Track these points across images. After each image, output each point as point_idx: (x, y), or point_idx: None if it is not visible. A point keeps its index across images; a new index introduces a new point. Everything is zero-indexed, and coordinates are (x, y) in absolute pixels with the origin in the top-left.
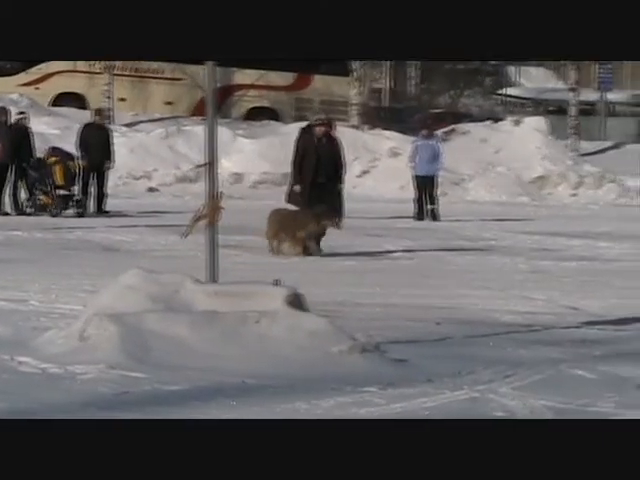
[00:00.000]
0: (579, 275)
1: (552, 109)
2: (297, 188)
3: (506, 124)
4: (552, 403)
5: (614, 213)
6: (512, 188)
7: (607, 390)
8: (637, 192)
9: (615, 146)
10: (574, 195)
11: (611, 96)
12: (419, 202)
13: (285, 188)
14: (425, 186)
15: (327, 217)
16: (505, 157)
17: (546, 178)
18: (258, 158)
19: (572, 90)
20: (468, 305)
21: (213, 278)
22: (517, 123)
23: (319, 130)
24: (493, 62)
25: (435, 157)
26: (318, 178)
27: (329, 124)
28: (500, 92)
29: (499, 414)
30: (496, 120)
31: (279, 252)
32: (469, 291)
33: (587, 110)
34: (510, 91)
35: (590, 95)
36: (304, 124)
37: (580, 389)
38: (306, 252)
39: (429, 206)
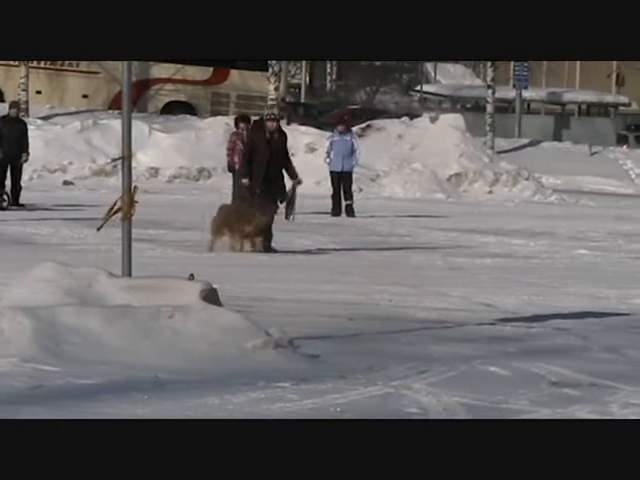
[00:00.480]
0: (494, 272)
1: (469, 106)
2: (245, 182)
3: (423, 121)
4: (465, 400)
5: (529, 210)
6: (428, 185)
7: (520, 387)
8: (552, 190)
9: (531, 143)
10: (490, 192)
11: (527, 94)
12: (335, 198)
13: (201, 182)
14: (341, 182)
15: (271, 212)
16: (421, 154)
17: (462, 175)
18: (174, 152)
19: (489, 87)
20: (382, 301)
21: (127, 272)
22: (434, 120)
23: (271, 125)
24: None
25: (351, 153)
26: (270, 173)
27: (278, 118)
28: (417, 89)
29: (412, 410)
30: (413, 117)
31: (220, 248)
32: (383, 287)
33: (503, 107)
34: (427, 88)
35: (507, 92)
36: (256, 118)
37: (493, 386)
38: (253, 248)
39: (345, 202)
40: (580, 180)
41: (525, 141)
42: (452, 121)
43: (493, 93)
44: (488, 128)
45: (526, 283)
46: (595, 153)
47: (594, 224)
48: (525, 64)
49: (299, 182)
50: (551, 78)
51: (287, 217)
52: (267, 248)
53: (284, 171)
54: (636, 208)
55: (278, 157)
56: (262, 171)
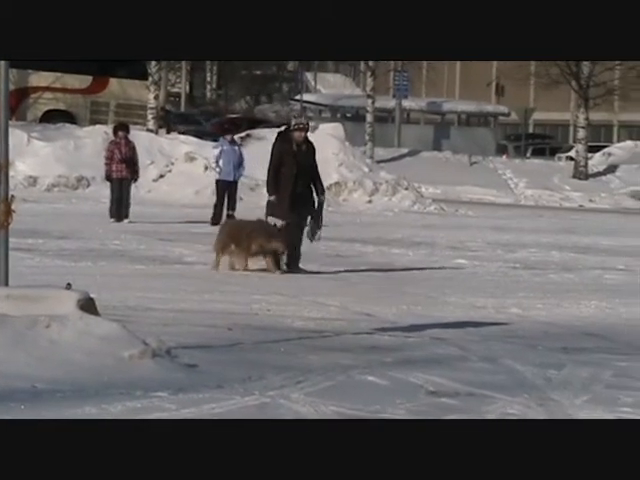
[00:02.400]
0: (373, 281)
1: (349, 115)
2: (273, 199)
3: None
4: (343, 409)
5: (409, 220)
6: None
7: (398, 396)
8: (432, 199)
9: (410, 153)
10: (369, 202)
11: (407, 103)
12: (218, 207)
13: (79, 191)
14: (227, 191)
15: (279, 236)
16: None
17: (342, 184)
18: (53, 161)
19: (369, 97)
20: (260, 311)
21: (4, 281)
22: (313, 129)
23: (298, 135)
24: (290, 69)
25: (239, 162)
26: (297, 188)
27: (307, 128)
28: (297, 98)
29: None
30: None
31: (223, 265)
32: (262, 297)
33: (383, 117)
34: (307, 97)
35: (386, 102)
36: (282, 128)
37: (371, 395)
38: (273, 268)
39: (228, 211)
40: (459, 190)
41: (405, 151)
42: (331, 130)
43: (373, 103)
44: (368, 137)
45: (405, 293)
46: (474, 163)
47: (473, 234)
48: (404, 74)
49: (324, 198)
50: (431, 88)
51: (312, 238)
52: (294, 268)
53: (312, 186)
54: (515, 218)
55: (306, 170)
56: (289, 186)
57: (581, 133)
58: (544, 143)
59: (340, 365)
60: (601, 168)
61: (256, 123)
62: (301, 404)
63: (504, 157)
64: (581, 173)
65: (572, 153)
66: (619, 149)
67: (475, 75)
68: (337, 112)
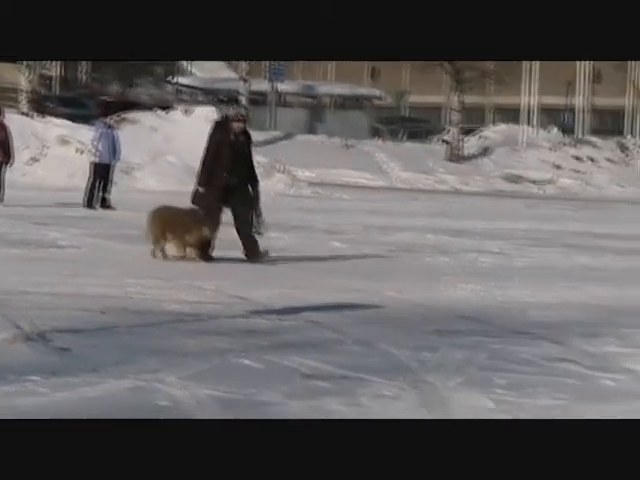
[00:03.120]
0: (248, 265)
1: (223, 99)
2: (202, 190)
3: (177, 113)
4: (218, 393)
5: (284, 204)
6: (182, 177)
7: (273, 380)
8: (307, 182)
9: (285, 136)
10: None
11: (282, 87)
12: (93, 190)
13: None
14: (102, 174)
15: (213, 223)
16: (175, 146)
17: None
18: None
19: (243, 80)
20: (135, 294)
21: None
22: (188, 112)
23: (237, 126)
24: None
25: (115, 146)
26: (232, 179)
27: (246, 119)
28: (172, 81)
29: (164, 404)
30: (167, 109)
31: (164, 255)
32: (137, 280)
33: (258, 100)
34: (182, 80)
35: (261, 85)
36: (219, 118)
37: (246, 379)
38: (202, 256)
39: (102, 194)
40: (334, 173)
41: (280, 134)
42: (206, 113)
43: (248, 86)
44: None
45: (281, 276)
46: (349, 146)
47: (348, 217)
48: None
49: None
50: (306, 71)
51: (258, 229)
52: (203, 256)
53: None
54: (389, 201)
55: (242, 161)
56: (223, 177)
57: (455, 116)
58: (419, 126)
59: (215, 349)
60: (475, 151)
61: (130, 106)
62: (176, 388)
63: (379, 140)
64: (455, 156)
65: (446, 136)
66: (493, 132)
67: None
68: (211, 95)
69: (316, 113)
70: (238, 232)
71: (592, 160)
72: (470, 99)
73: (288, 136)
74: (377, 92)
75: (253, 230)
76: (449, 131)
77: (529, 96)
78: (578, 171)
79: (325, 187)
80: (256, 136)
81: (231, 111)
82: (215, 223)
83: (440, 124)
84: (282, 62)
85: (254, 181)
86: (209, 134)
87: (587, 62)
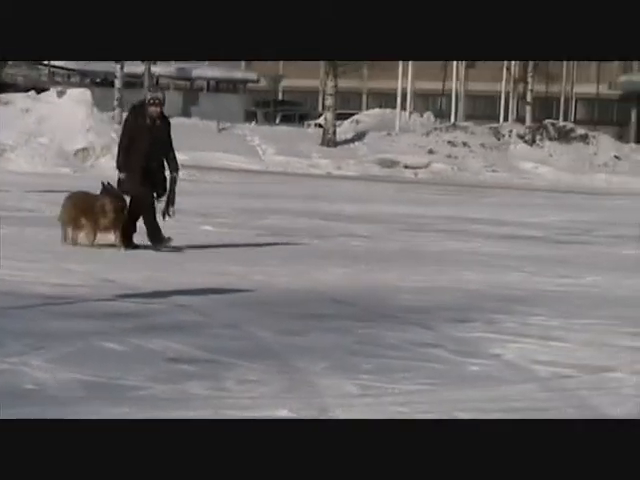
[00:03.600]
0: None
1: (98, 81)
2: (122, 175)
3: (50, 95)
4: (82, 376)
5: None
6: (55, 159)
7: (137, 363)
8: (180, 165)
9: None
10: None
11: (156, 69)
12: None
13: None
14: None
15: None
16: (48, 128)
17: (89, 150)
18: None
19: (117, 62)
20: (1, 276)
21: None
22: (61, 94)
23: (154, 111)
24: None
25: None
26: (151, 163)
27: (163, 102)
28: (46, 63)
29: (29, 387)
30: (40, 90)
31: (74, 241)
32: (4, 262)
33: (132, 82)
34: (56, 62)
35: (135, 68)
36: (136, 102)
37: (111, 362)
38: (125, 243)
39: None
40: (208, 156)
41: None
42: (79, 95)
43: (122, 68)
44: (116, 103)
45: (150, 259)
46: (223, 129)
47: (221, 200)
48: None
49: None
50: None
51: (166, 214)
52: (128, 244)
53: (165, 162)
54: (263, 184)
55: (160, 146)
56: (141, 162)
57: (330, 100)
58: (293, 110)
59: (80, 331)
60: (349, 135)
61: (3, 87)
62: (42, 371)
63: (253, 124)
64: (329, 140)
65: (321, 120)
66: (367, 117)
67: None
68: (86, 77)
69: (190, 96)
70: (143, 217)
71: (466, 145)
72: (345, 83)
73: None
74: (252, 75)
75: (164, 214)
76: (323, 115)
77: (404, 80)
78: (451, 156)
79: (198, 170)
80: None
81: (147, 95)
82: (140, 208)
83: (315, 108)
84: None
85: (174, 167)
86: (125, 119)
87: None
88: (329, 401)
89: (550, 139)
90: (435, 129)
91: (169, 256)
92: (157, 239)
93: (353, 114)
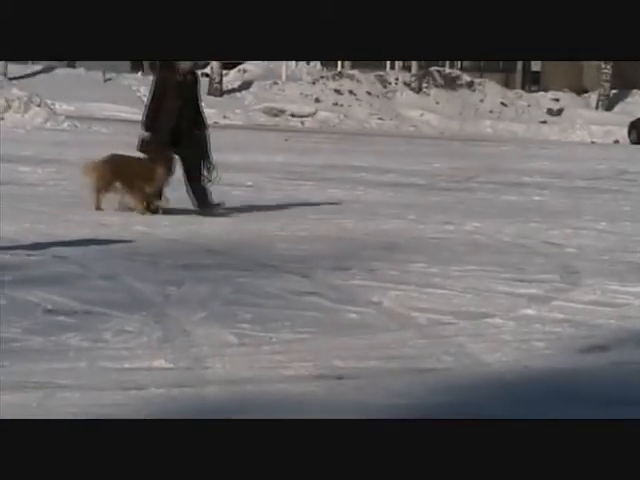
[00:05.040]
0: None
1: None
2: (144, 135)
3: None
4: None
5: (40, 137)
6: None
7: (14, 315)
8: (65, 116)
9: (44, 70)
10: (1, 119)
11: None
12: None
13: None
14: None
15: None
16: None
17: None
18: None
19: None
20: None
21: None
22: None
23: (184, 65)
24: None
25: None
26: (182, 123)
27: None
28: None
29: None
30: None
31: (98, 206)
32: None
33: None
34: None
35: None
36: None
37: None
38: (151, 208)
39: None
40: (93, 106)
41: (38, 67)
42: None
43: None
44: None
45: (28, 210)
46: (108, 79)
47: (104, 151)
48: None
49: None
50: None
51: (210, 179)
52: (206, 207)
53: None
54: None
55: (191, 103)
56: (172, 121)
57: None
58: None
59: None
60: (236, 85)
61: None
62: None
63: (139, 74)
64: (216, 90)
65: (207, 69)
66: (254, 66)
67: None
68: None
69: None
70: (187, 181)
71: (352, 93)
72: None
73: (47, 69)
74: None
75: (204, 178)
76: (209, 65)
77: None
78: (338, 104)
79: (83, 120)
80: (15, 69)
81: None
82: (168, 170)
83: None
84: None
85: (203, 125)
86: (154, 75)
87: None
88: (206, 350)
89: (436, 86)
90: (322, 77)
91: (46, 207)
92: (204, 203)
93: (240, 63)
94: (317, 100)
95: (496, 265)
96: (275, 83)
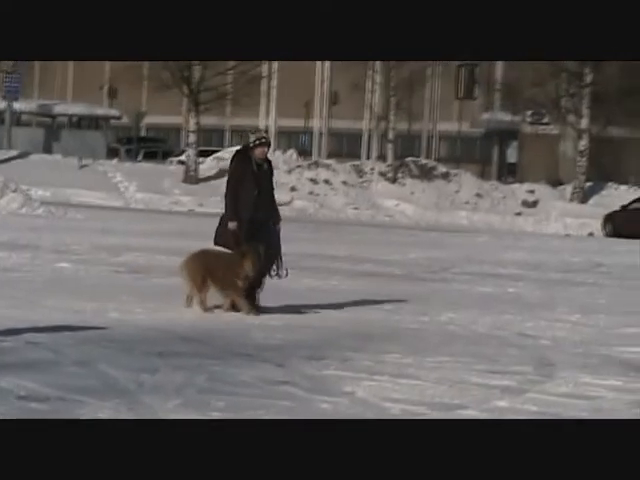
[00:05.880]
0: None
1: None
2: (233, 226)
3: None
4: None
5: (15, 222)
6: None
7: None
8: (41, 202)
9: (20, 155)
10: None
11: (18, 105)
12: None
13: None
14: None
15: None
16: None
17: None
18: None
19: None
20: None
21: None
22: None
23: (260, 152)
24: None
25: None
26: (258, 214)
27: (269, 142)
28: None
29: None
30: None
31: (204, 306)
32: None
33: None
34: None
35: None
36: (239, 147)
37: None
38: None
39: None
40: (69, 192)
41: (14, 153)
42: None
43: None
44: None
45: (2, 296)
46: (84, 166)
47: (80, 237)
48: (16, 75)
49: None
50: (43, 89)
51: (277, 274)
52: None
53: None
54: (124, 221)
55: (266, 194)
56: (249, 212)
57: (192, 137)
58: (156, 147)
59: None
60: (212, 172)
61: None
62: None
63: (115, 160)
64: (191, 177)
65: (183, 157)
66: (230, 154)
67: (88, 77)
68: None
69: (52, 132)
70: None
71: (328, 183)
72: (208, 120)
73: (23, 155)
74: (114, 112)
75: (273, 273)
76: (186, 152)
77: (267, 118)
78: (314, 193)
79: (59, 206)
80: None
81: (251, 137)
82: (257, 264)
83: (178, 145)
84: (16, 80)
85: (278, 217)
86: (230, 165)
87: (325, 83)
88: None
89: (412, 177)
90: (298, 166)
91: (20, 292)
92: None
93: (216, 151)
94: (293, 189)
95: (470, 356)
96: None
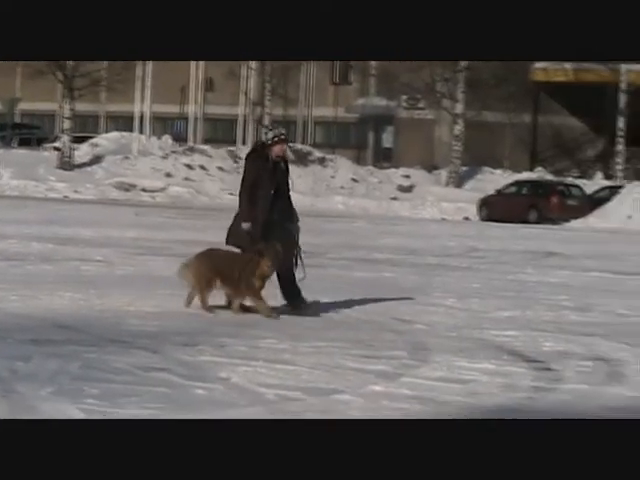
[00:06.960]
0: None
1: None
2: (247, 226)
3: None
4: None
5: None
6: None
7: None
8: None
9: None
10: None
11: None
12: None
13: None
14: None
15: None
16: None
17: None
18: None
19: None
20: None
21: None
22: None
23: (279, 149)
24: None
25: None
26: (274, 214)
27: (286, 140)
28: None
29: None
30: None
31: (208, 308)
32: None
33: None
34: None
35: None
36: (254, 145)
37: None
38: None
39: None
40: None
41: None
42: None
43: None
44: None
45: None
46: None
47: None
48: None
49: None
50: None
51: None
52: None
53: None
54: None
55: (283, 193)
56: (265, 213)
57: (66, 124)
58: (30, 133)
59: None
60: (87, 159)
61: None
62: None
63: None
64: (66, 164)
65: (58, 143)
66: (105, 140)
67: None
68: None
69: None
70: (278, 277)
71: (203, 168)
72: (83, 107)
73: None
74: None
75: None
76: (61, 138)
77: (142, 104)
78: (189, 179)
79: None
80: None
81: (269, 133)
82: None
83: (53, 131)
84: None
85: (294, 216)
86: (245, 163)
87: (200, 69)
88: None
89: None
90: (173, 152)
91: None
92: (298, 300)
93: (91, 137)
94: (168, 175)
95: (346, 341)
96: (126, 157)
